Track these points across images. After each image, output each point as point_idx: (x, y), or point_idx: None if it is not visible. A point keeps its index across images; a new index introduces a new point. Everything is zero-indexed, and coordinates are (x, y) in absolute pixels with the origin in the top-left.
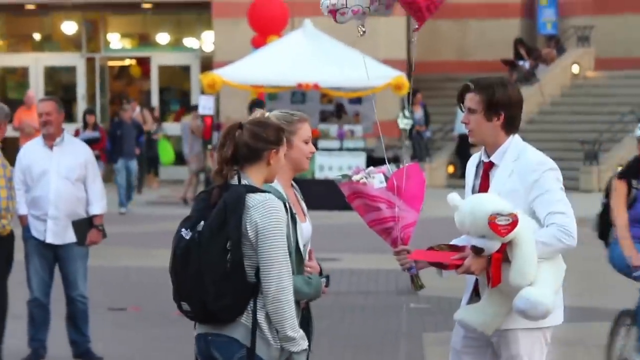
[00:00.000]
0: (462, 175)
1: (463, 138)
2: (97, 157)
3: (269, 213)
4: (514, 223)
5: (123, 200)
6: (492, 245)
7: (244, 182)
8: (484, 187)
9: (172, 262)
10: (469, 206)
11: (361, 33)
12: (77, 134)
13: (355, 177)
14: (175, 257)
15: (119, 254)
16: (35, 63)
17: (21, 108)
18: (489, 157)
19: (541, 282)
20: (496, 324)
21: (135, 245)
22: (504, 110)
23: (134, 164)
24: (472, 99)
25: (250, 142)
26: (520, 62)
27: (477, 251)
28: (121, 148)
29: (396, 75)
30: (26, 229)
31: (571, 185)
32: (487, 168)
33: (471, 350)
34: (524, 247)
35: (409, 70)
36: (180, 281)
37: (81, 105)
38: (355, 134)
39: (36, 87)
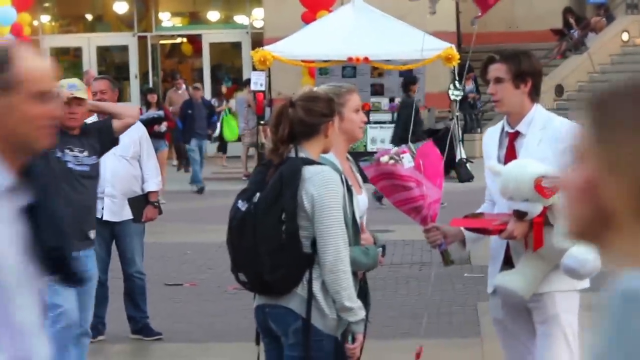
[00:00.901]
0: None
1: None
2: (162, 136)
3: (325, 184)
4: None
5: (199, 178)
6: (535, 209)
7: (300, 155)
8: (510, 156)
9: (229, 233)
10: (513, 171)
11: (431, 12)
12: (140, 113)
13: (383, 159)
14: (231, 228)
15: (175, 230)
16: (88, 43)
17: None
18: (512, 127)
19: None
20: (534, 288)
21: (191, 221)
22: (531, 77)
23: (206, 144)
24: (498, 69)
25: (305, 118)
26: (570, 31)
27: (520, 215)
28: (193, 128)
29: (446, 47)
30: None
31: None
32: (512, 138)
33: (511, 317)
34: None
35: (459, 42)
36: (237, 252)
37: (134, 84)
38: None
39: (89, 67)
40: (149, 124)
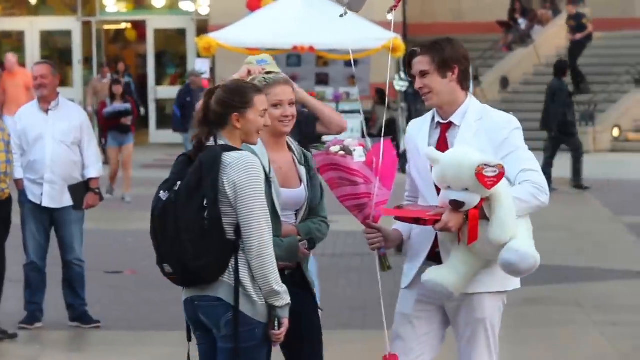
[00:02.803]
0: None
1: None
2: (128, 130)
3: (246, 170)
4: (500, 175)
5: None
6: (474, 200)
7: (220, 142)
8: (442, 148)
9: (151, 224)
10: (454, 158)
11: (342, 15)
12: (103, 106)
13: (333, 149)
14: (153, 219)
15: (115, 217)
16: (31, 27)
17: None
18: (445, 118)
19: (521, 237)
20: (464, 286)
21: (131, 208)
22: (457, 63)
23: None
24: (422, 62)
25: (215, 108)
26: (516, 23)
27: (457, 206)
28: (190, 116)
29: (392, 37)
30: (22, 193)
31: (567, 147)
32: (445, 129)
33: (423, 314)
34: (504, 201)
35: (405, 32)
36: (160, 243)
37: (77, 70)
38: (351, 96)
39: (32, 51)
40: (115, 117)
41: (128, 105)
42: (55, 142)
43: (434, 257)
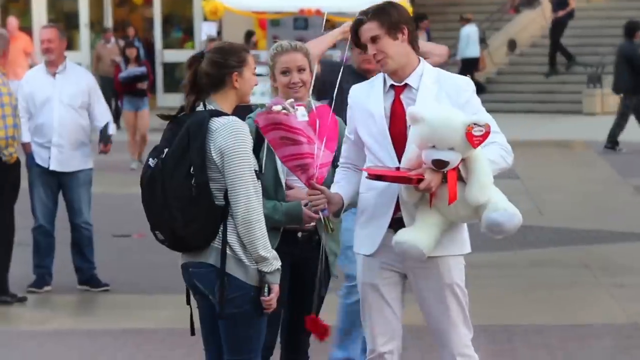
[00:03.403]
0: None
1: (465, 62)
2: (144, 94)
3: (233, 135)
4: (486, 134)
5: None
6: (457, 159)
7: (209, 107)
8: (399, 110)
9: (142, 192)
10: (441, 117)
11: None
12: (117, 70)
13: (275, 108)
14: (142, 187)
15: (123, 180)
16: None
17: None
18: (399, 81)
19: (499, 197)
20: (434, 248)
21: (139, 171)
22: (405, 24)
23: None
24: (370, 28)
25: (209, 70)
26: None
27: (441, 165)
28: None
29: (398, 0)
30: (30, 157)
31: (574, 109)
32: (399, 91)
33: (388, 281)
34: (482, 162)
35: None
36: (150, 210)
37: (84, 34)
38: None
39: (38, 15)
40: (130, 81)
41: (144, 69)
42: (63, 105)
43: (392, 224)
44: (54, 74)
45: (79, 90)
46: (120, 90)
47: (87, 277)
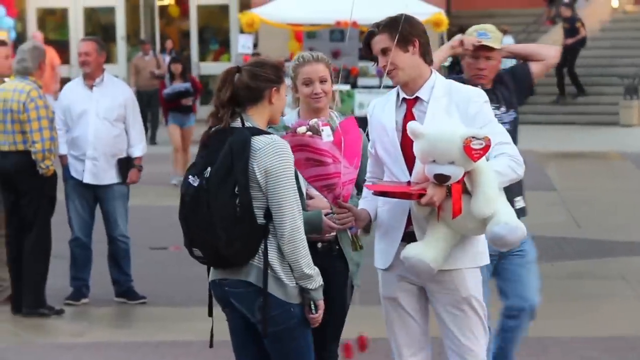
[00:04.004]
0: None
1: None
2: (190, 110)
3: (277, 154)
4: (486, 147)
5: None
6: (459, 173)
7: (247, 124)
8: (405, 133)
9: (181, 209)
10: (439, 131)
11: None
12: (162, 86)
13: (299, 130)
14: (184, 204)
15: (160, 193)
16: (74, 4)
17: None
18: (410, 94)
19: (505, 210)
20: (443, 261)
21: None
22: (416, 37)
23: None
24: (381, 39)
25: (250, 82)
26: None
27: (442, 179)
28: None
29: (435, 12)
30: (66, 169)
31: (611, 120)
32: (411, 105)
33: (408, 294)
34: (487, 175)
35: (448, 7)
36: (191, 227)
37: (121, 46)
38: None
39: (75, 28)
40: (174, 98)
41: (188, 85)
42: (99, 118)
43: (405, 238)
44: (91, 87)
45: (115, 103)
46: (165, 106)
47: (124, 290)
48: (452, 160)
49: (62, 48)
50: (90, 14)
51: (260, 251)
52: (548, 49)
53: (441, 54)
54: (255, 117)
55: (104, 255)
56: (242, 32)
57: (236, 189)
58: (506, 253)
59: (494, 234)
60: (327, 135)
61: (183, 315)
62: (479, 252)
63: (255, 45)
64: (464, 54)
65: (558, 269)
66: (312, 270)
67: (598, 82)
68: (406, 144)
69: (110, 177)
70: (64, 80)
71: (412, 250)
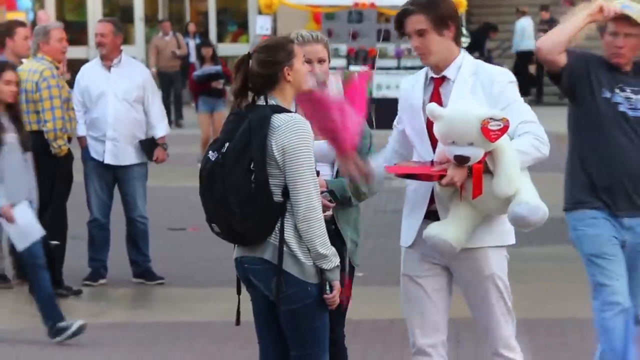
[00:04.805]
0: (523, 93)
1: (521, 56)
2: (220, 94)
3: (296, 133)
4: (505, 128)
5: None
6: (478, 154)
7: (271, 102)
8: (436, 102)
9: (200, 184)
10: (458, 113)
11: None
12: (192, 69)
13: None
14: (201, 179)
15: (178, 174)
16: None
17: None
18: (438, 73)
19: (527, 189)
20: (466, 241)
21: (194, 165)
22: (452, 20)
23: None
24: (418, 20)
25: (260, 70)
26: None
27: (462, 160)
28: None
29: None
30: (85, 150)
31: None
32: (438, 84)
33: (429, 273)
34: (508, 154)
35: None
36: (208, 203)
37: (139, 27)
38: (413, 52)
39: (93, 9)
40: (205, 80)
41: (219, 68)
42: (118, 99)
43: (429, 216)
44: (109, 68)
45: (133, 84)
46: (195, 89)
47: (142, 270)
48: (471, 142)
49: (80, 29)
50: None
51: (277, 229)
52: None
53: (578, 22)
54: (278, 96)
55: (122, 236)
56: (260, 13)
57: (252, 165)
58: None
59: (515, 214)
60: (335, 84)
61: (201, 296)
62: (505, 230)
63: (273, 28)
64: (603, 28)
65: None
66: (328, 250)
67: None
68: (432, 123)
69: (130, 157)
70: (82, 62)
71: (433, 230)
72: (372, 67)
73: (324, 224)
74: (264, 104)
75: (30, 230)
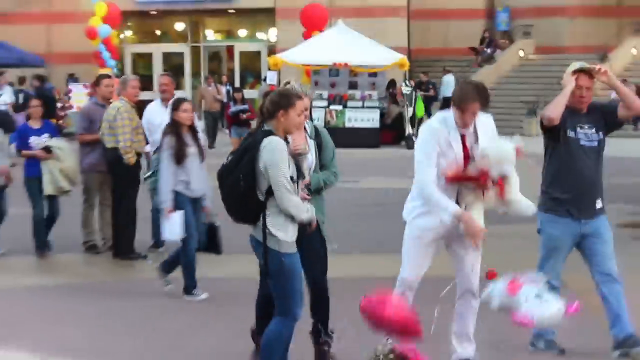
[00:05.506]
0: None
1: (445, 100)
2: (247, 124)
3: (273, 151)
4: (518, 150)
5: None
6: (508, 171)
7: (266, 127)
8: (465, 149)
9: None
10: (495, 149)
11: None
12: (228, 107)
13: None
14: (217, 178)
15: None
16: (156, 50)
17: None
18: (462, 131)
19: (522, 197)
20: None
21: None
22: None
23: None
24: (476, 107)
25: (267, 105)
26: (485, 49)
27: (500, 178)
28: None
29: (400, 57)
30: (149, 161)
31: (518, 131)
32: (463, 136)
33: (438, 239)
34: (515, 177)
35: (409, 54)
36: (221, 195)
37: (187, 81)
38: (372, 97)
39: (157, 66)
40: (237, 114)
41: (246, 106)
42: None
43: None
44: (166, 106)
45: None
46: (230, 121)
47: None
48: (510, 163)
49: (148, 80)
50: (167, 58)
51: (261, 217)
52: (635, 99)
53: (564, 98)
54: (274, 126)
55: None
56: (269, 69)
57: (241, 176)
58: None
59: (530, 209)
60: (309, 128)
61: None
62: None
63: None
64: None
65: None
66: (297, 211)
67: (509, 106)
68: (466, 156)
69: None
70: (147, 102)
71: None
72: (345, 106)
73: (293, 204)
74: (264, 128)
75: (175, 229)
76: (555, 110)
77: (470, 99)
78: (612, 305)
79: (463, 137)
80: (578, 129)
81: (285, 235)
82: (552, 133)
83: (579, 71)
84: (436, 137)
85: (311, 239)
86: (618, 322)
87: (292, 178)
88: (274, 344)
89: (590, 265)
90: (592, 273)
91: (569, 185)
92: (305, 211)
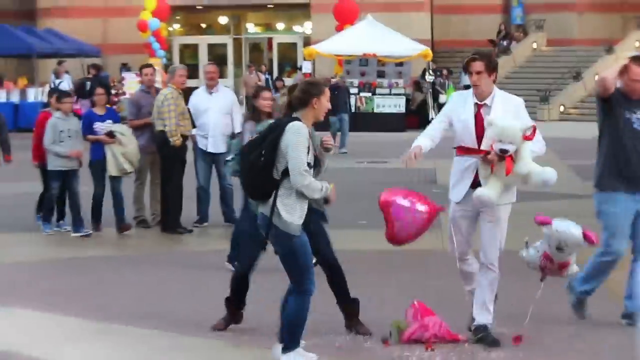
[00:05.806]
0: None
1: (466, 88)
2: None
3: (294, 134)
4: (533, 132)
5: (343, 143)
6: (512, 149)
7: (294, 115)
8: (479, 119)
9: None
10: (507, 124)
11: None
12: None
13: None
14: (240, 150)
15: None
16: (202, 41)
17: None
18: (480, 100)
19: (537, 168)
20: (498, 199)
21: None
22: (495, 69)
23: (346, 117)
24: (479, 65)
25: (300, 95)
26: (501, 41)
27: (504, 152)
28: (335, 106)
29: (424, 48)
30: (195, 143)
31: (532, 117)
32: (480, 107)
33: (466, 219)
34: (526, 150)
35: (432, 45)
36: (241, 169)
37: (230, 69)
38: (399, 84)
39: (203, 57)
40: None
41: None
42: (215, 112)
43: (473, 185)
44: (211, 93)
45: (225, 103)
46: None
47: (229, 217)
48: (511, 141)
49: (194, 69)
50: (211, 48)
51: (273, 196)
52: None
53: (616, 69)
54: (302, 115)
55: (215, 195)
56: (305, 59)
57: (263, 152)
58: None
59: (548, 177)
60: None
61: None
62: (512, 192)
63: (313, 69)
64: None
65: None
66: (311, 192)
67: (523, 93)
68: (479, 129)
69: (222, 147)
70: (193, 89)
71: (481, 191)
72: (374, 94)
73: (306, 181)
74: (293, 116)
75: None
76: (610, 73)
77: (472, 59)
78: (636, 281)
79: (479, 108)
80: (633, 113)
81: (291, 217)
82: (607, 104)
83: (635, 58)
84: (452, 102)
85: (310, 216)
86: (635, 297)
87: (309, 164)
88: (297, 321)
89: (634, 239)
90: (633, 245)
91: (624, 162)
92: (320, 190)
